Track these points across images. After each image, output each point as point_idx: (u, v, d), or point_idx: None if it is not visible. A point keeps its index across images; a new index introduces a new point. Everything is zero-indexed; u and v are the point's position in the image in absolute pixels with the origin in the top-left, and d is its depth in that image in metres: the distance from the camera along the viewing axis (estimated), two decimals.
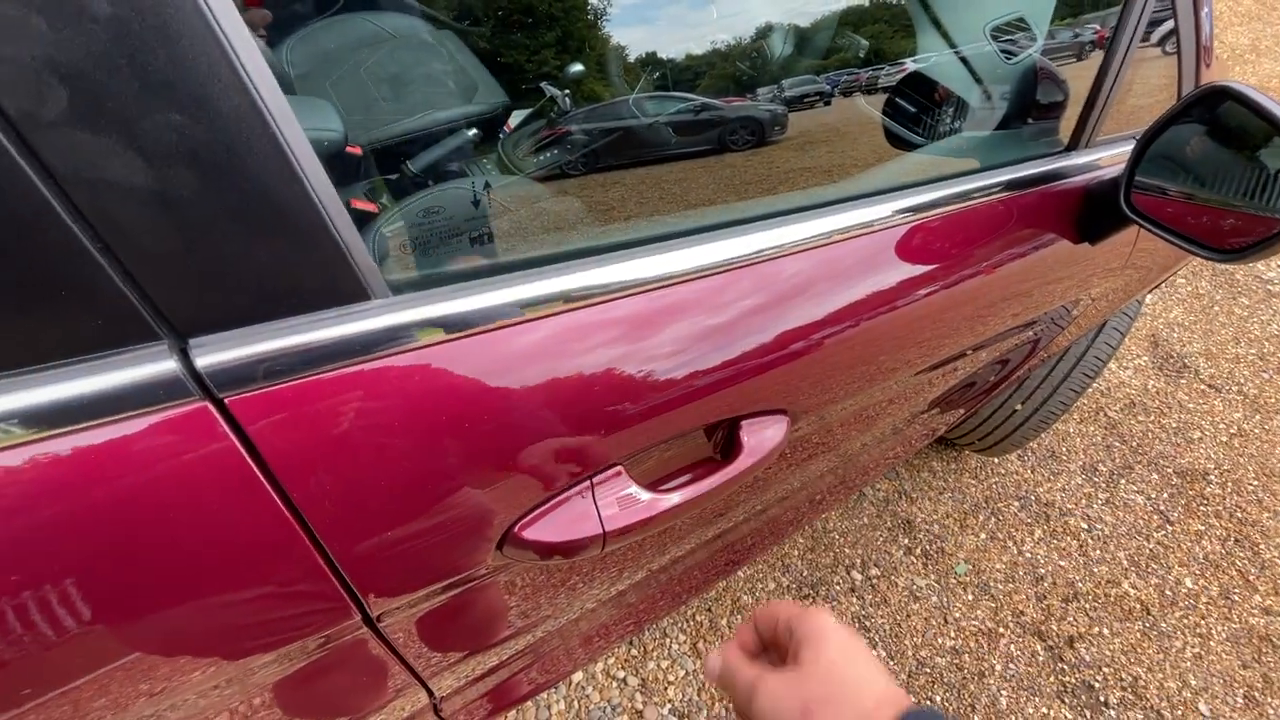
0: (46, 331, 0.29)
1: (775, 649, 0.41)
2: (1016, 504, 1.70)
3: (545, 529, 0.47)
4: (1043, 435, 1.84)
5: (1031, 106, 0.85)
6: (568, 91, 0.62)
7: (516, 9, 0.59)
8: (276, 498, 0.36)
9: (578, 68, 0.61)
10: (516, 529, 0.47)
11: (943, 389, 1.01)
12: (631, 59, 0.62)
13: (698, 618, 1.42)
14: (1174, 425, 1.91)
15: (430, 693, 0.65)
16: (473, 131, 0.65)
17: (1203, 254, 0.72)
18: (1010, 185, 0.76)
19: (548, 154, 0.63)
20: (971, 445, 1.64)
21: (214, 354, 0.33)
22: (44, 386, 0.30)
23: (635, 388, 0.47)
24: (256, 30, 0.59)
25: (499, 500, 0.45)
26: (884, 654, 1.38)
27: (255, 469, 0.35)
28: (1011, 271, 0.80)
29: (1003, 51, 0.87)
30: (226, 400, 0.34)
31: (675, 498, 0.53)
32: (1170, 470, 1.78)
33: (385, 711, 0.64)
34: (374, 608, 0.45)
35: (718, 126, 0.68)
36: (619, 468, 0.50)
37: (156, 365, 0.32)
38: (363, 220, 0.51)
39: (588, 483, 0.48)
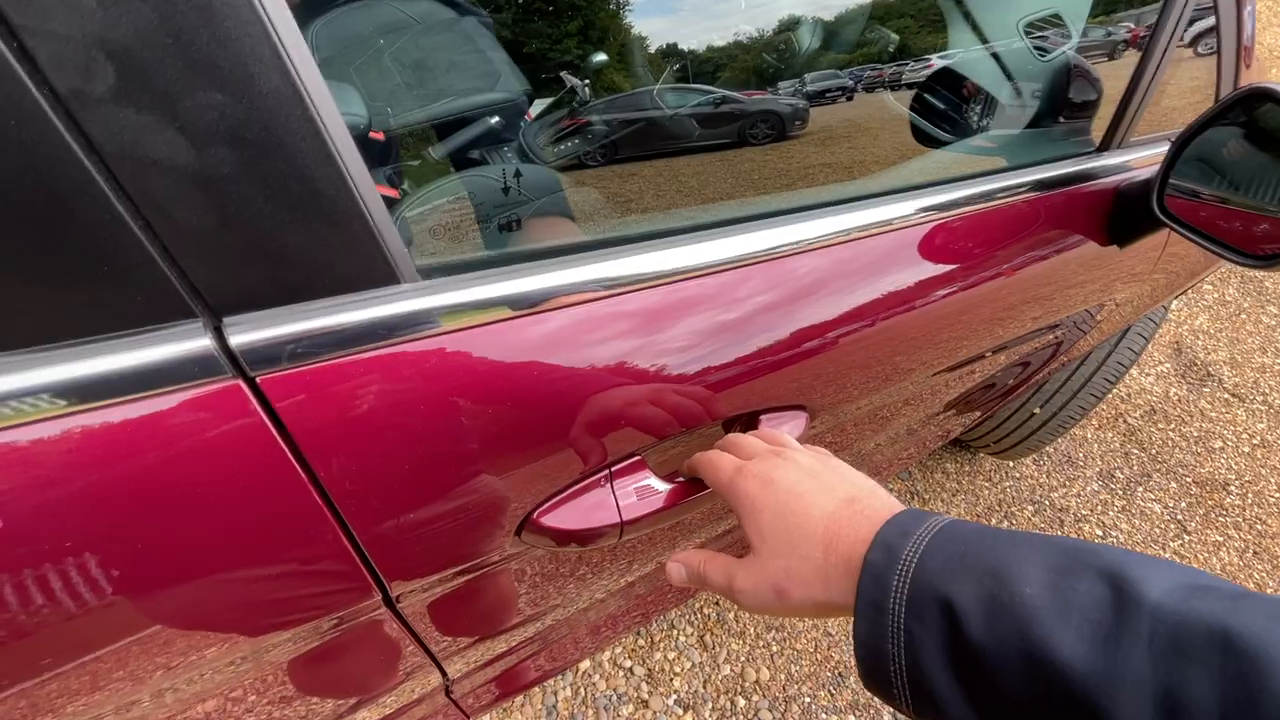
0: (86, 306, 0.30)
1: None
2: (1031, 509, 1.68)
3: (564, 516, 0.47)
4: (1059, 440, 1.81)
5: (1064, 105, 0.84)
6: (587, 81, 0.62)
7: None
8: (305, 477, 0.37)
9: (599, 57, 0.61)
10: (536, 515, 0.47)
11: (960, 391, 1.00)
12: (652, 50, 0.62)
13: (705, 611, 1.42)
14: (1195, 434, 1.88)
15: (444, 674, 0.66)
16: (495, 119, 0.65)
17: (1235, 259, 0.71)
18: (1038, 185, 0.75)
19: (569, 143, 0.63)
20: (987, 448, 1.63)
21: (247, 333, 0.33)
22: (82, 360, 0.30)
23: (657, 379, 0.47)
24: None
25: (519, 486, 0.46)
26: None
27: (285, 448, 0.36)
28: (1035, 274, 0.79)
29: (1036, 48, 0.85)
30: (258, 379, 0.34)
31: (692, 490, 0.53)
32: (1189, 479, 1.76)
33: (396, 692, 0.65)
34: (394, 589, 0.46)
35: (738, 120, 0.67)
36: (639, 458, 0.50)
37: (192, 343, 0.32)
38: (385, 206, 0.51)
39: (607, 472, 0.49)
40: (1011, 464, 1.78)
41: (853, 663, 1.35)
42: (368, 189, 0.34)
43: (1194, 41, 0.87)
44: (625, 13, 0.61)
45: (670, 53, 0.63)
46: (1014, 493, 1.72)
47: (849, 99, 0.74)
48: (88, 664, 0.37)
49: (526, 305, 0.41)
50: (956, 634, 0.29)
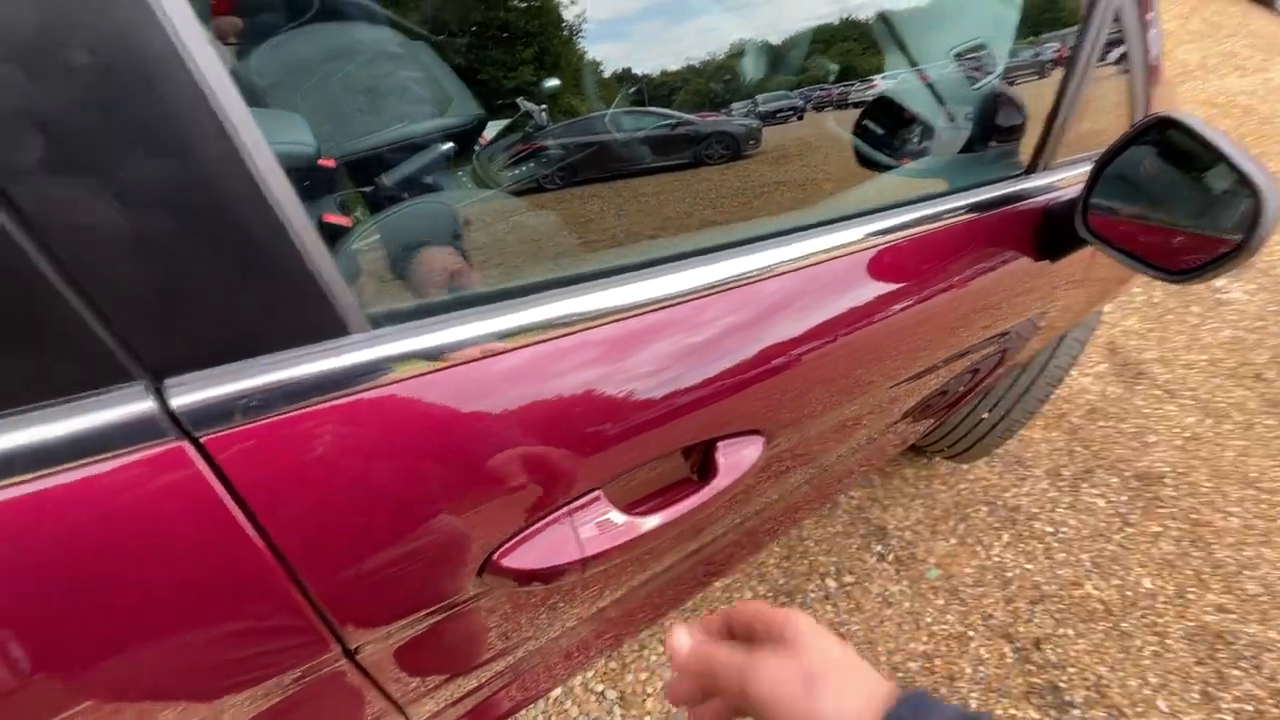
0: (20, 375, 0.29)
1: (749, 643, 0.39)
2: (985, 509, 1.74)
3: (524, 556, 0.47)
4: (1009, 442, 1.88)
5: (993, 130, 0.89)
6: (544, 107, 0.62)
7: (493, 25, 0.60)
8: (255, 535, 0.36)
9: (554, 83, 0.62)
10: (496, 557, 0.47)
11: (916, 399, 1.04)
12: (608, 74, 0.63)
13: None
14: (1132, 430, 1.98)
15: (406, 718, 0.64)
16: (448, 145, 0.65)
17: (1155, 274, 0.75)
18: (976, 207, 0.79)
19: (523, 168, 0.63)
20: (942, 452, 1.68)
21: (190, 393, 0.33)
22: (18, 430, 0.29)
23: (612, 414, 0.48)
24: (227, 38, 0.58)
25: (478, 530, 0.45)
26: None
27: (233, 507, 0.35)
28: (978, 289, 0.83)
29: (966, 76, 0.90)
30: (203, 439, 0.34)
31: (653, 520, 0.54)
32: (1129, 474, 1.85)
33: None
34: (352, 640, 0.45)
35: (693, 141, 0.69)
36: (597, 492, 0.50)
37: (132, 406, 0.31)
38: (335, 234, 0.51)
39: (566, 509, 0.49)
40: (966, 467, 1.85)
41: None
42: (313, 244, 0.34)
43: (1117, 62, 0.93)
44: (579, 39, 0.62)
45: (625, 77, 0.64)
46: (969, 494, 1.77)
47: (800, 118, 0.76)
48: None
49: (477, 349, 0.41)
50: None
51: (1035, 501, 1.76)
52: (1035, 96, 0.87)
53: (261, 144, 0.30)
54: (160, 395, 0.32)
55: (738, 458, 0.60)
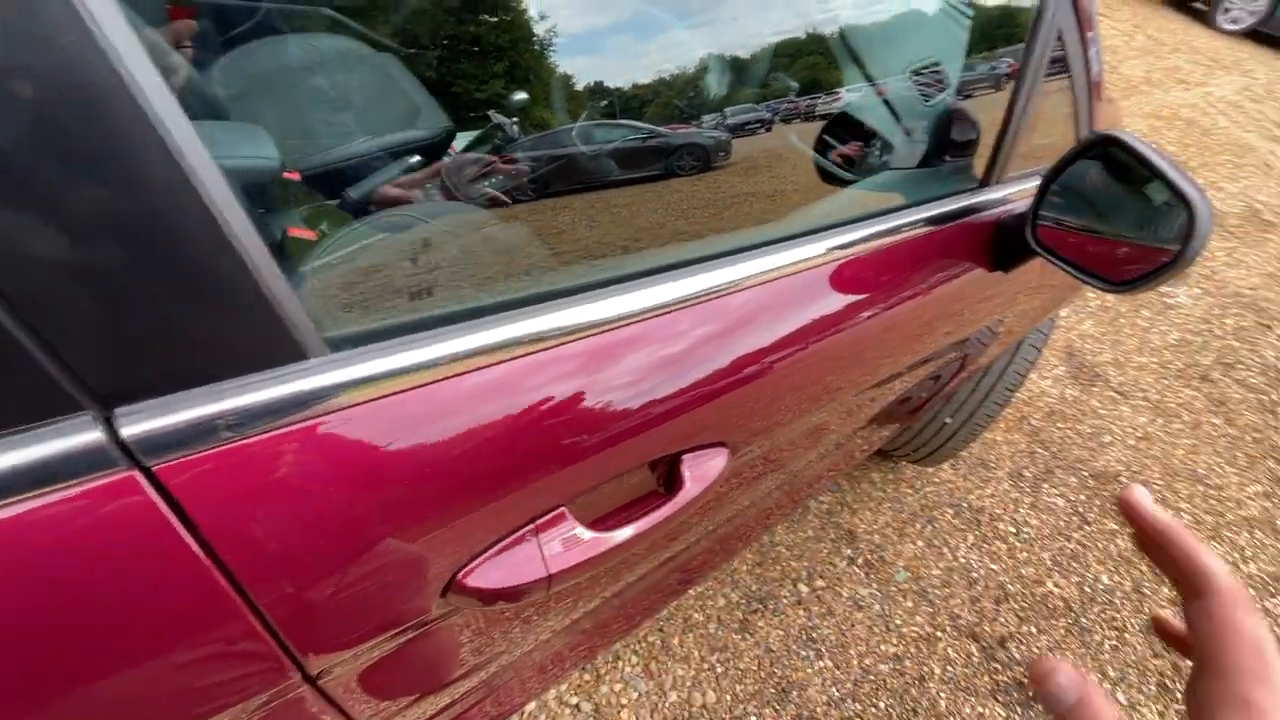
0: None
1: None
2: (951, 511, 1.78)
3: (488, 575, 0.47)
4: (973, 445, 1.94)
5: (948, 145, 0.92)
6: (516, 120, 0.62)
7: (464, 38, 0.60)
8: (210, 564, 0.36)
9: (525, 96, 0.62)
10: (460, 577, 0.47)
11: (882, 405, 1.06)
12: (579, 87, 0.63)
13: (649, 639, 1.43)
14: (1088, 431, 2.05)
15: None
16: (415, 158, 0.65)
17: (1099, 285, 0.79)
18: (933, 220, 0.81)
19: (493, 181, 0.63)
20: (908, 457, 1.72)
21: (140, 422, 0.32)
22: None
23: (575, 431, 0.48)
24: (181, 42, 0.57)
25: (441, 551, 0.45)
26: (831, 664, 1.42)
27: (186, 536, 0.34)
28: (937, 299, 0.85)
29: (921, 93, 0.93)
30: (154, 468, 0.33)
31: (619, 535, 0.54)
32: (1086, 473, 1.91)
33: None
34: (315, 665, 0.44)
35: (665, 153, 0.69)
36: (562, 509, 0.51)
37: (81, 436, 0.31)
38: (298, 250, 0.50)
39: (531, 527, 0.49)
40: (932, 470, 1.89)
41: (796, 676, 1.38)
42: (266, 266, 0.34)
43: (1057, 79, 0.96)
44: (550, 53, 0.62)
45: (597, 90, 0.64)
46: (935, 497, 1.81)
47: (768, 130, 0.78)
48: None
49: (437, 371, 0.41)
50: None
51: (999, 502, 1.81)
52: (987, 112, 0.91)
53: (209, 165, 0.30)
54: (110, 424, 0.32)
55: (703, 470, 0.61)
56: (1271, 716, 0.24)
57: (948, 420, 1.50)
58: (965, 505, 1.80)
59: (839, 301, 0.72)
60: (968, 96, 0.95)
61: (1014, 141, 0.88)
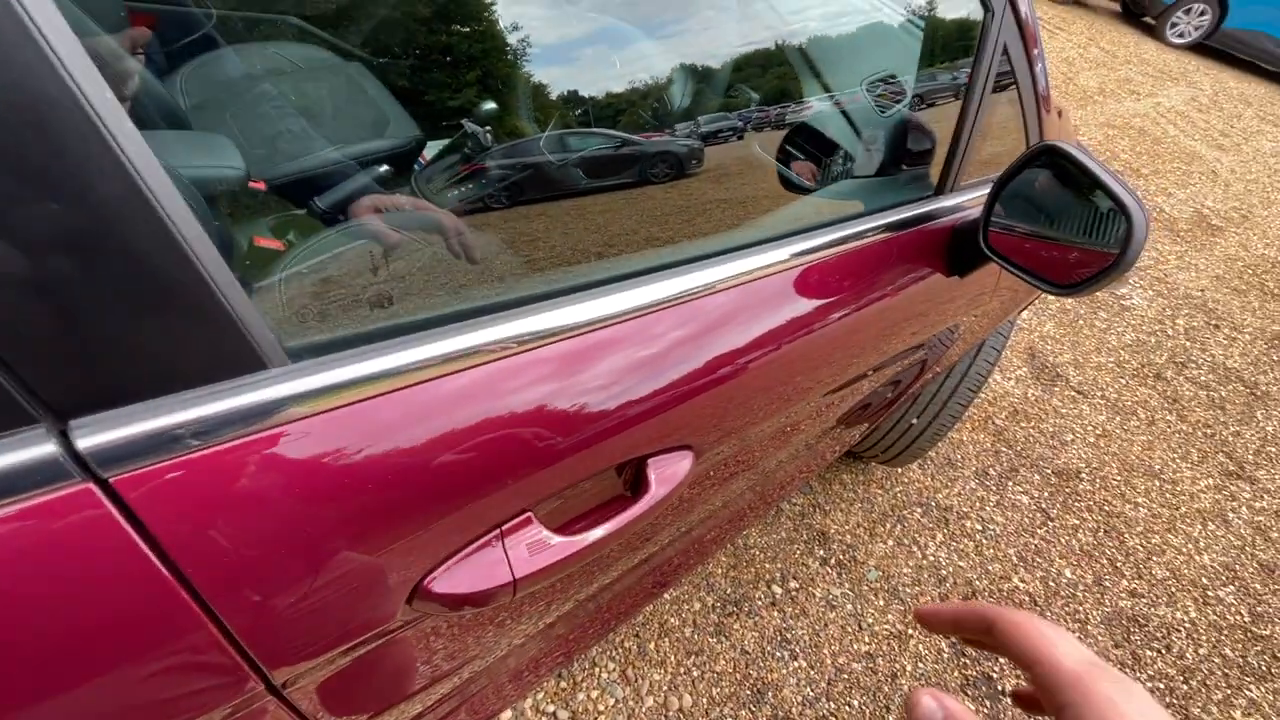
0: None
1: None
2: (919, 510, 1.82)
3: (454, 580, 0.48)
4: (939, 445, 1.98)
5: (904, 154, 0.95)
6: (489, 128, 0.63)
7: (435, 48, 0.60)
8: (169, 575, 0.35)
9: (495, 105, 0.63)
10: (425, 583, 0.47)
11: (849, 405, 1.09)
12: (553, 96, 0.64)
13: (626, 644, 1.43)
14: (1050, 429, 2.11)
15: None
16: (385, 168, 0.65)
17: (1048, 289, 0.82)
18: (891, 226, 0.84)
19: (465, 189, 0.63)
20: (876, 457, 1.75)
21: (96, 434, 0.32)
22: None
23: (540, 436, 0.49)
24: (136, 49, 0.57)
25: (405, 557, 0.46)
26: (805, 665, 1.44)
27: (145, 547, 0.34)
28: (897, 303, 0.88)
29: (878, 104, 0.96)
30: (111, 480, 0.33)
31: (586, 538, 0.55)
32: (1049, 471, 1.97)
33: None
34: (280, 676, 0.44)
35: (638, 161, 0.71)
36: (528, 514, 0.51)
37: (35, 449, 0.31)
38: (264, 259, 0.50)
39: (496, 531, 0.50)
40: (900, 470, 1.93)
41: (772, 678, 1.40)
42: (222, 276, 0.34)
43: (1006, 92, 1.00)
44: (523, 62, 0.63)
45: (570, 100, 0.65)
46: (904, 497, 1.85)
47: (739, 138, 0.80)
48: None
49: (399, 380, 0.42)
50: None
51: (965, 501, 1.86)
52: (940, 123, 0.94)
53: (161, 175, 0.31)
54: (65, 436, 0.32)
55: (669, 473, 0.62)
56: None
57: (914, 421, 1.54)
58: (933, 504, 1.84)
59: (803, 305, 0.74)
60: (925, 107, 0.98)
61: (967, 150, 0.92)
